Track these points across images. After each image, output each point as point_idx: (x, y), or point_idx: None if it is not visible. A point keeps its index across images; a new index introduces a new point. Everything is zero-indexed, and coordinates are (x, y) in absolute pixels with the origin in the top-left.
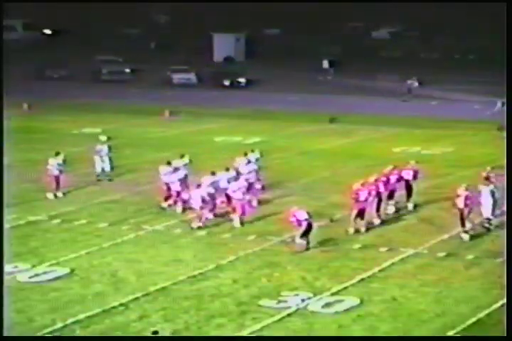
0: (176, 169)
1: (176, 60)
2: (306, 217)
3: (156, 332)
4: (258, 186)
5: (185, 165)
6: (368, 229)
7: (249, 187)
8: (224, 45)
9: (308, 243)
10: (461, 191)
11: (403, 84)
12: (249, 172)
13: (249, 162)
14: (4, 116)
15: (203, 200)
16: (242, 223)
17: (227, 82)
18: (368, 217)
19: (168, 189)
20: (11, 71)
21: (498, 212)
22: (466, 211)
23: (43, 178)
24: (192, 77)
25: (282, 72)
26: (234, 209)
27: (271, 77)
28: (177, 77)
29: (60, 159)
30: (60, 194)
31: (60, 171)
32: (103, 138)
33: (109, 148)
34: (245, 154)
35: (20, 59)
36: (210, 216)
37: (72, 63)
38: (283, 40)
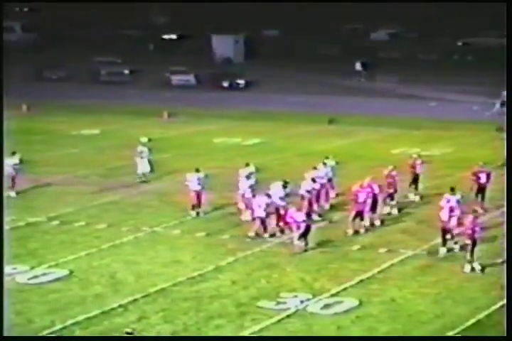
0: (248, 177)
1: (175, 62)
2: (304, 218)
3: (130, 333)
4: (332, 195)
5: (250, 173)
6: (366, 231)
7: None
8: (223, 47)
9: (306, 244)
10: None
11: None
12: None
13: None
14: (3, 117)
15: (266, 209)
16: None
17: (226, 84)
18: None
19: (197, 196)
20: (10, 72)
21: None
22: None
23: (40, 180)
24: (191, 78)
25: (281, 73)
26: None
27: (270, 78)
28: (176, 79)
29: (16, 159)
30: (13, 194)
31: (17, 171)
32: (144, 139)
33: (150, 150)
34: (324, 163)
35: (19, 60)
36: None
37: (70, 64)
38: (282, 42)
